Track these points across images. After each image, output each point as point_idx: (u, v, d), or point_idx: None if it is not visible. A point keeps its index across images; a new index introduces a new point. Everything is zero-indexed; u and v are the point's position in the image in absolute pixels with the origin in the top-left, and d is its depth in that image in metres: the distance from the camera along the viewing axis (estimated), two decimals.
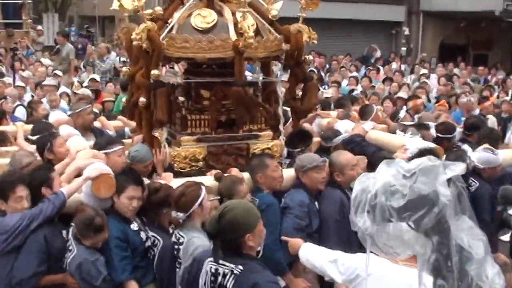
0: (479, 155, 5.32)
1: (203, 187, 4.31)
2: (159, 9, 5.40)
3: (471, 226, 2.88)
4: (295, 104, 5.82)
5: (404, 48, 25.21)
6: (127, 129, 6.58)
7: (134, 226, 4.37)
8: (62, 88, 10.58)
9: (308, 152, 5.50)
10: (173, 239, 4.31)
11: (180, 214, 4.23)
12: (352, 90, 12.15)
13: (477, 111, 9.54)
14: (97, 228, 4.08)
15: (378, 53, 22.28)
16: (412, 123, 6.72)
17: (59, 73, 12.16)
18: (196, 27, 5.33)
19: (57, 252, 4.16)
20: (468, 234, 2.86)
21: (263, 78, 5.86)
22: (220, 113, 5.55)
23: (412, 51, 25.24)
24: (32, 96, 10.36)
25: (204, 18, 5.36)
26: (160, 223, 4.46)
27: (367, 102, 8.82)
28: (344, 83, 13.67)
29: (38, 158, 5.14)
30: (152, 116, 5.46)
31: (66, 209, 4.29)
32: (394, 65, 18.73)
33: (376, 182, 2.89)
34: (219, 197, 4.51)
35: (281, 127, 5.76)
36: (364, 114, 6.69)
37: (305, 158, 4.95)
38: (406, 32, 25.78)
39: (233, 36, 5.22)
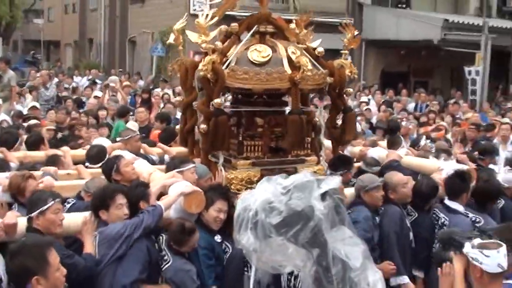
0: (504, 176, 6.15)
1: None
2: (219, 44, 5.98)
3: (350, 236, 3.15)
4: (336, 132, 6.50)
5: None
6: (166, 157, 7.08)
7: (218, 238, 4.97)
8: (2, 116, 10.62)
9: (348, 175, 6.23)
10: None
11: None
12: None
13: (414, 135, 10.32)
14: (190, 231, 4.66)
15: None
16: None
17: None
18: (253, 61, 5.94)
19: (155, 262, 4.66)
20: (345, 244, 3.09)
21: (302, 108, 6.51)
22: (271, 139, 6.16)
23: (354, 79, 26.31)
24: None
25: (260, 52, 5.99)
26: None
27: None
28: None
29: None
30: (209, 142, 6.02)
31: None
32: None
33: (256, 200, 3.14)
34: None
35: (322, 153, 6.42)
36: (393, 144, 7.49)
37: (367, 179, 5.67)
38: (349, 60, 26.87)
39: (287, 69, 5.87)
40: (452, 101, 18.10)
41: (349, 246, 3.12)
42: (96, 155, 6.32)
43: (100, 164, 6.17)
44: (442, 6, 25.24)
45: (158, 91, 16.34)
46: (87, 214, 4.78)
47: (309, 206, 3.01)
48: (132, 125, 8.99)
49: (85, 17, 34.02)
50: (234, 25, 6.14)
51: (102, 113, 11.05)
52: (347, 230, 3.18)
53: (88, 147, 6.85)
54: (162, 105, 13.24)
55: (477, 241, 3.81)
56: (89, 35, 33.53)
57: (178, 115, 12.10)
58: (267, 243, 3.07)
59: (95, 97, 14.24)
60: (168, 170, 5.71)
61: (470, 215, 5.51)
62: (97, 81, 19.14)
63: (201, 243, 4.77)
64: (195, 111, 6.30)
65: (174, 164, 5.72)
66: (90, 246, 4.56)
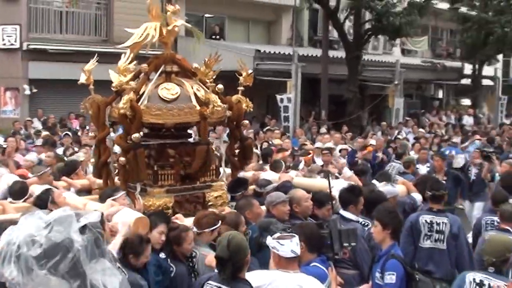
0: (384, 188, 7.67)
1: (220, 220, 6.08)
2: (133, 83, 6.85)
3: (109, 267, 3.48)
4: (234, 159, 7.63)
5: None
6: (72, 190, 7.72)
7: (162, 255, 5.85)
8: None
9: (246, 195, 7.39)
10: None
11: (195, 229, 5.98)
12: None
13: None
14: (146, 240, 5.53)
15: None
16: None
17: None
18: (164, 98, 6.94)
19: None
20: (104, 274, 3.40)
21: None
22: (181, 168, 7.14)
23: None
24: None
25: (169, 90, 7.02)
26: (177, 254, 5.94)
27: None
28: None
29: None
30: (128, 173, 6.85)
31: None
32: None
33: (19, 234, 3.36)
34: None
35: (223, 178, 7.51)
36: (275, 168, 8.77)
37: (274, 195, 6.89)
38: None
39: (196, 104, 6.91)
40: (266, 128, 19.84)
41: (107, 276, 3.43)
42: (19, 191, 6.92)
43: (23, 199, 6.73)
44: (256, 37, 27.30)
45: None
46: None
47: (68, 239, 3.27)
48: None
49: None
50: (144, 65, 7.04)
51: None
52: (107, 262, 3.49)
53: None
54: None
55: (277, 234, 5.15)
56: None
57: None
58: (30, 276, 3.28)
59: None
60: (101, 198, 6.44)
61: (361, 220, 6.88)
62: None
63: (150, 260, 5.61)
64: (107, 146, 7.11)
65: (107, 193, 6.47)
66: None
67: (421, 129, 21.67)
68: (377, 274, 5.73)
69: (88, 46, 20.87)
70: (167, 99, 6.94)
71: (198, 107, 6.91)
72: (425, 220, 7.16)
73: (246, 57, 23.28)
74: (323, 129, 20.63)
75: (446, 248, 7.07)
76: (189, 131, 7.57)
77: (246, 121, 7.80)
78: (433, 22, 33.40)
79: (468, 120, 27.71)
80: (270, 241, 5.01)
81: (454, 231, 7.07)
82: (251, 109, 7.60)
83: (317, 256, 5.44)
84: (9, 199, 6.88)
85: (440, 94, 35.50)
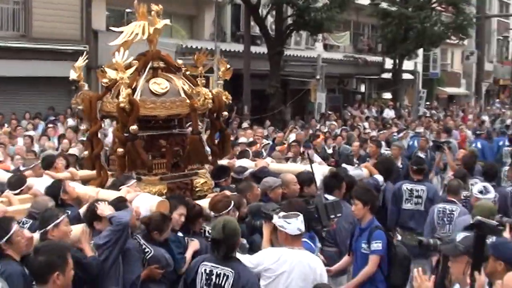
0: (353, 172, 8.90)
1: (232, 202, 6.97)
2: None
3: None
4: (214, 147, 8.65)
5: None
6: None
7: (180, 233, 6.78)
8: None
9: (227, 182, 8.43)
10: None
11: (212, 213, 6.89)
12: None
13: None
14: (168, 217, 6.47)
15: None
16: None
17: None
18: (155, 92, 7.86)
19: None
20: None
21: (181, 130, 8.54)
22: (172, 157, 8.10)
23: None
24: None
25: (159, 85, 7.94)
26: (194, 230, 6.95)
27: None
28: (21, 141, 14.83)
29: None
30: (125, 163, 7.75)
31: None
32: (70, 122, 19.51)
33: None
34: None
35: (206, 166, 8.52)
36: (244, 156, 10.00)
37: (271, 181, 7.94)
38: (85, 88, 28.39)
39: (185, 97, 7.90)
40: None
41: None
42: (16, 182, 7.64)
43: (19, 190, 7.52)
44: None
45: None
46: (83, 225, 6.26)
47: None
48: None
49: None
50: (135, 61, 7.93)
51: None
52: None
53: None
54: None
55: (282, 213, 5.89)
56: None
57: None
58: None
59: None
60: (114, 186, 7.34)
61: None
62: None
63: (171, 238, 6.53)
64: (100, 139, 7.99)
65: (120, 181, 7.36)
66: (90, 252, 6.04)
67: (333, 122, 23.00)
68: (364, 245, 6.88)
69: (6, 42, 21.29)
70: (158, 93, 7.85)
71: (188, 100, 7.89)
72: (406, 188, 9.33)
73: (168, 52, 24.01)
74: (245, 124, 21.68)
75: (424, 209, 9.06)
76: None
77: (226, 113, 8.79)
78: (355, 18, 35.30)
79: (388, 113, 29.67)
80: (277, 220, 5.87)
81: (430, 196, 9.23)
82: (230, 101, 8.62)
83: (307, 232, 6.36)
84: (7, 191, 7.52)
85: (362, 88, 37.33)
